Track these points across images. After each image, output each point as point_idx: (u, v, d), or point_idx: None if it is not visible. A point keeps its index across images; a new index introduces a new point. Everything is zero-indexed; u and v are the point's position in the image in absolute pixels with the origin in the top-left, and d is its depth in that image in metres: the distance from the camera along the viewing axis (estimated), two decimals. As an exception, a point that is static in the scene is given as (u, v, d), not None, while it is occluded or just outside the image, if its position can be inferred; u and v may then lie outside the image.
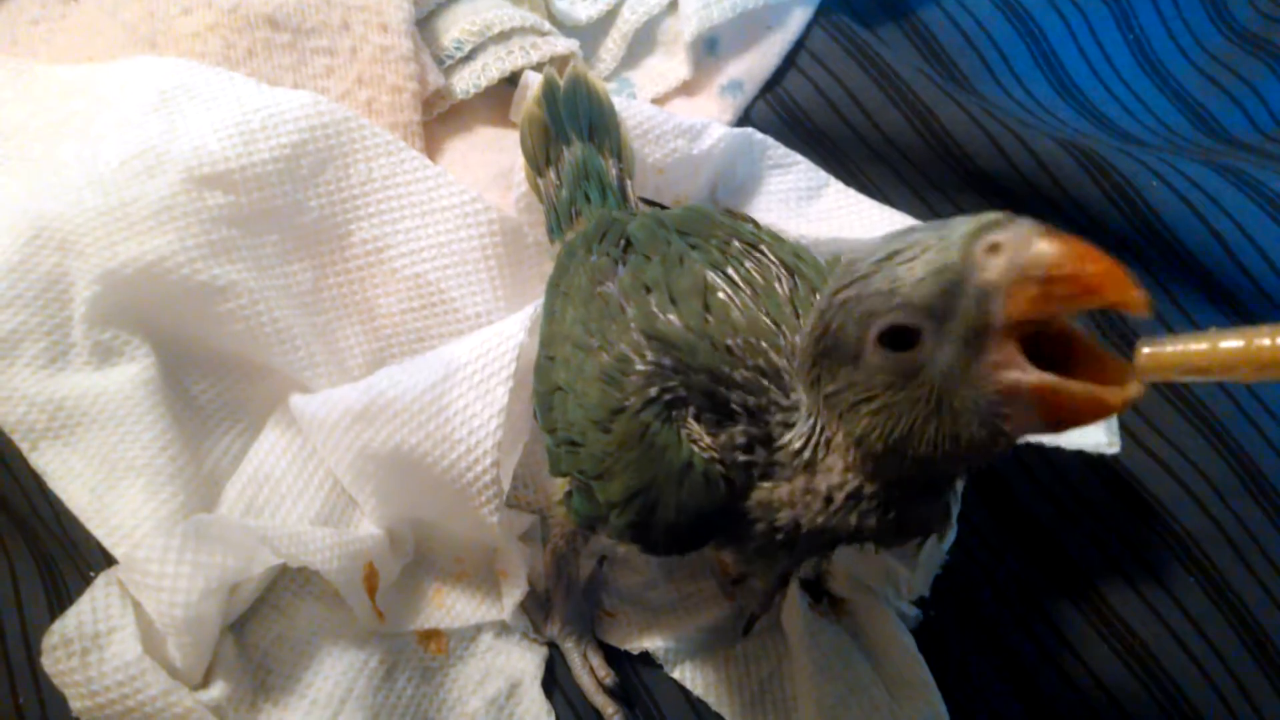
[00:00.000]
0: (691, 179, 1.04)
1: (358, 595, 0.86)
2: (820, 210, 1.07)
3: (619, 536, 0.72)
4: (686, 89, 1.14)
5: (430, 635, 0.90)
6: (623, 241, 0.80)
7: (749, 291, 0.69)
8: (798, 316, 0.68)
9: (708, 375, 0.66)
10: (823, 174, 1.08)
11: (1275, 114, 1.14)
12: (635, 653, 0.91)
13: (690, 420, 0.66)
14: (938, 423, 0.54)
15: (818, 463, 0.62)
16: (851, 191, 1.08)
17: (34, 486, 0.86)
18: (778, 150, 1.07)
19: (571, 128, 0.92)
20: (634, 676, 0.91)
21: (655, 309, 0.70)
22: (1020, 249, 0.48)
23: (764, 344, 0.66)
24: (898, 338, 0.52)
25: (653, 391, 0.67)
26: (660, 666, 0.91)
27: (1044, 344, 0.51)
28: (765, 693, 0.90)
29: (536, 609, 0.92)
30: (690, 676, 0.91)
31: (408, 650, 0.89)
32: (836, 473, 0.61)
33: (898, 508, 0.61)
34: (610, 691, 0.89)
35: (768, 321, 0.67)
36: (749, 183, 1.07)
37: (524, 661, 0.90)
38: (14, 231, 0.87)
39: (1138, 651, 0.91)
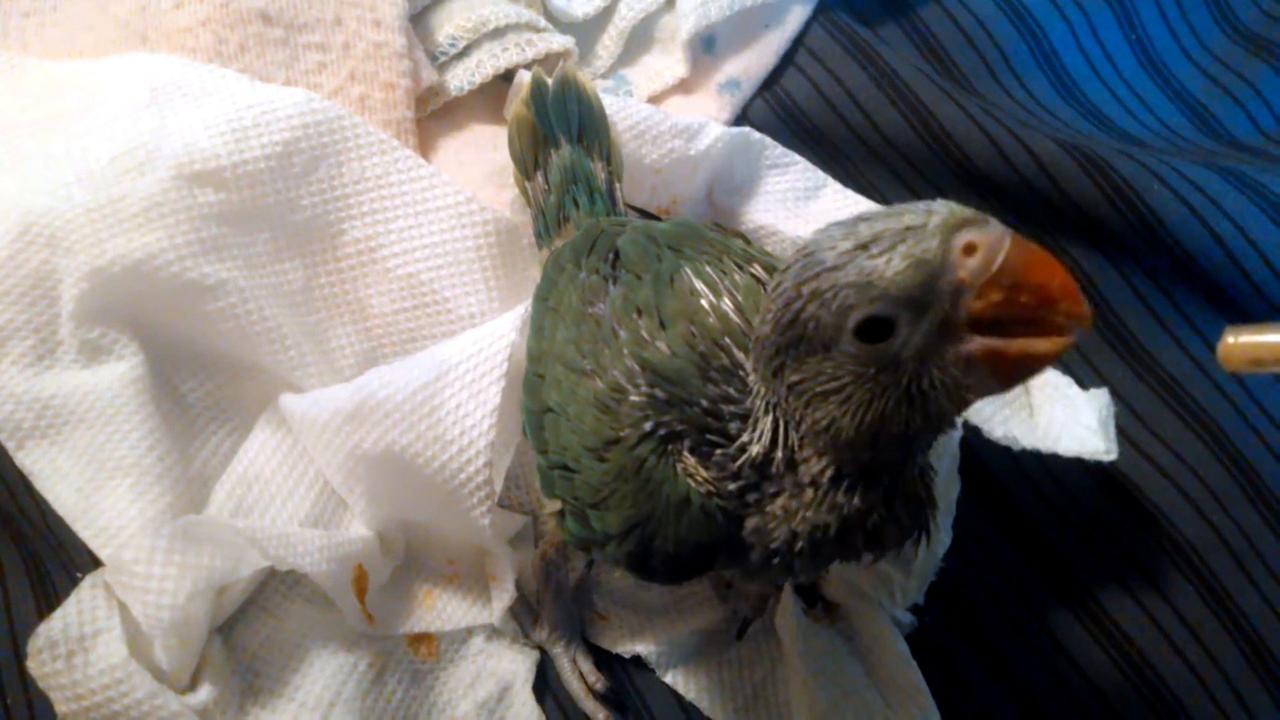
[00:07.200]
0: (688, 179, 1.03)
1: (347, 598, 0.85)
2: (818, 211, 1.06)
3: (614, 564, 0.72)
4: (684, 87, 1.12)
5: (420, 638, 0.90)
6: (611, 256, 0.79)
7: (732, 304, 0.68)
8: None
9: (700, 407, 0.65)
10: (820, 174, 1.07)
11: (1278, 115, 1.12)
12: (627, 656, 0.90)
13: (685, 454, 0.66)
14: (909, 404, 0.56)
15: (796, 456, 0.62)
16: (850, 192, 1.07)
17: (20, 485, 0.85)
18: (775, 150, 1.06)
19: (560, 130, 0.91)
20: (626, 680, 0.90)
21: (645, 334, 0.70)
22: (993, 252, 0.51)
23: (729, 341, 0.66)
24: (873, 327, 0.54)
25: (648, 426, 0.66)
26: (652, 670, 0.90)
27: None
28: (758, 697, 0.90)
29: (525, 613, 0.91)
30: (682, 680, 0.90)
31: (398, 653, 0.89)
32: (814, 461, 0.61)
33: (881, 480, 0.62)
34: (600, 696, 0.88)
35: (739, 322, 0.67)
36: (746, 183, 1.06)
37: (515, 665, 0.90)
38: (2, 227, 0.86)
39: (1134, 659, 0.90)
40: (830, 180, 1.07)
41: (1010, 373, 0.54)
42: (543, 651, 0.91)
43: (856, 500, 0.62)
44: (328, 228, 0.94)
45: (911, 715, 0.86)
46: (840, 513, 0.62)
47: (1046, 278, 0.51)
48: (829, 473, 0.61)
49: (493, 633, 0.91)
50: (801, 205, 1.05)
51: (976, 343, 0.53)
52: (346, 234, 0.94)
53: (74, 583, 0.81)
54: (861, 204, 1.06)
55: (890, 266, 0.52)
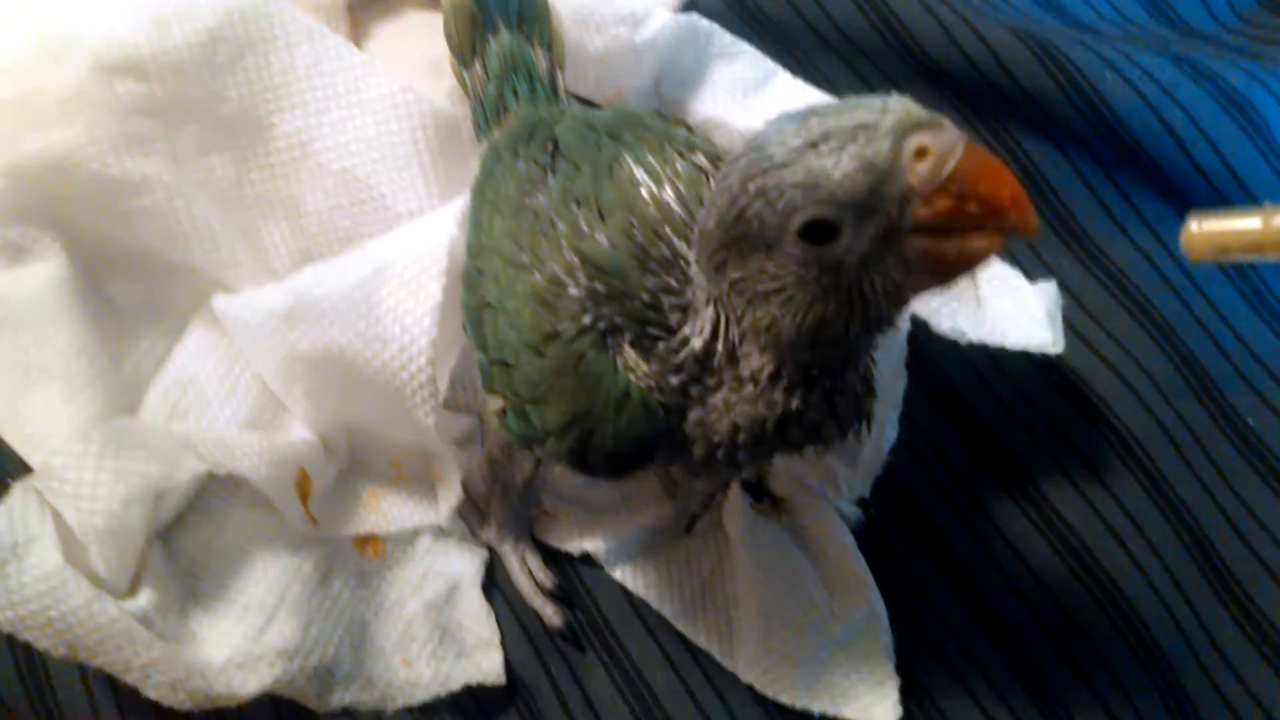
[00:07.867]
0: (634, 69, 1.00)
1: (290, 501, 0.84)
2: (768, 102, 1.03)
3: (556, 459, 0.71)
4: (630, -28, 1.08)
5: (366, 539, 0.89)
6: (550, 145, 0.76)
7: (673, 193, 0.67)
8: None
9: (641, 301, 0.64)
10: (771, 64, 1.04)
11: (1234, 4, 1.11)
12: (576, 554, 0.90)
13: (626, 348, 0.65)
14: (849, 308, 0.55)
15: (737, 351, 0.61)
16: (800, 83, 1.04)
17: (-55, 392, 0.82)
18: (724, 39, 1.03)
19: (500, 15, 0.87)
20: (574, 577, 0.90)
21: (584, 226, 0.68)
22: (945, 159, 0.50)
23: (669, 231, 0.65)
24: (817, 230, 0.52)
25: (587, 319, 0.65)
26: (601, 567, 0.90)
27: None
28: (706, 592, 0.90)
29: (473, 513, 0.91)
30: (631, 576, 0.90)
31: (343, 554, 0.88)
32: (755, 357, 0.61)
33: (822, 382, 0.62)
34: (549, 593, 0.88)
35: (681, 212, 0.66)
36: (694, 73, 1.02)
37: (463, 564, 0.89)
38: (-89, 123, 0.82)
39: (1077, 549, 0.91)
40: (780, 70, 1.04)
41: (948, 270, 0.53)
42: (491, 551, 0.90)
43: (795, 400, 0.61)
44: (257, 121, 0.90)
45: (857, 607, 0.87)
46: (777, 410, 0.62)
47: (996, 188, 0.50)
48: (768, 369, 0.61)
49: (440, 533, 0.90)
50: (750, 96, 1.03)
51: (914, 245, 0.52)
52: (277, 127, 0.91)
53: (5, 491, 0.79)
54: (812, 95, 1.03)
55: (838, 169, 0.51)
